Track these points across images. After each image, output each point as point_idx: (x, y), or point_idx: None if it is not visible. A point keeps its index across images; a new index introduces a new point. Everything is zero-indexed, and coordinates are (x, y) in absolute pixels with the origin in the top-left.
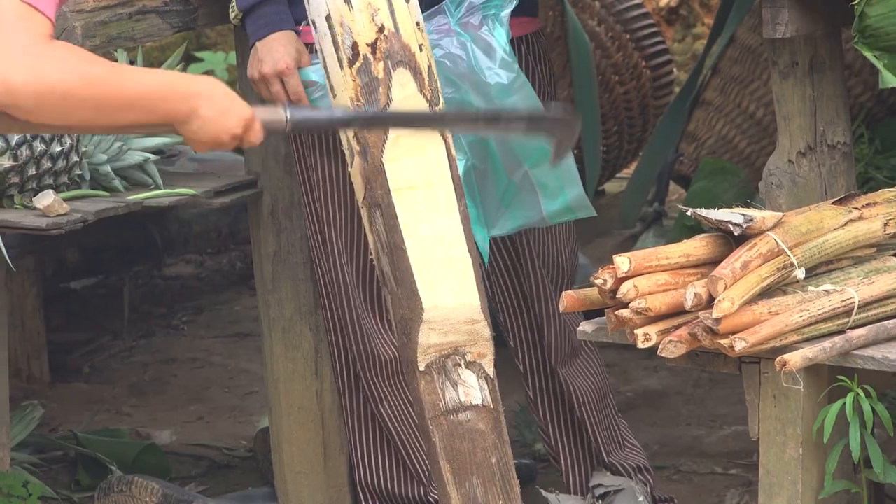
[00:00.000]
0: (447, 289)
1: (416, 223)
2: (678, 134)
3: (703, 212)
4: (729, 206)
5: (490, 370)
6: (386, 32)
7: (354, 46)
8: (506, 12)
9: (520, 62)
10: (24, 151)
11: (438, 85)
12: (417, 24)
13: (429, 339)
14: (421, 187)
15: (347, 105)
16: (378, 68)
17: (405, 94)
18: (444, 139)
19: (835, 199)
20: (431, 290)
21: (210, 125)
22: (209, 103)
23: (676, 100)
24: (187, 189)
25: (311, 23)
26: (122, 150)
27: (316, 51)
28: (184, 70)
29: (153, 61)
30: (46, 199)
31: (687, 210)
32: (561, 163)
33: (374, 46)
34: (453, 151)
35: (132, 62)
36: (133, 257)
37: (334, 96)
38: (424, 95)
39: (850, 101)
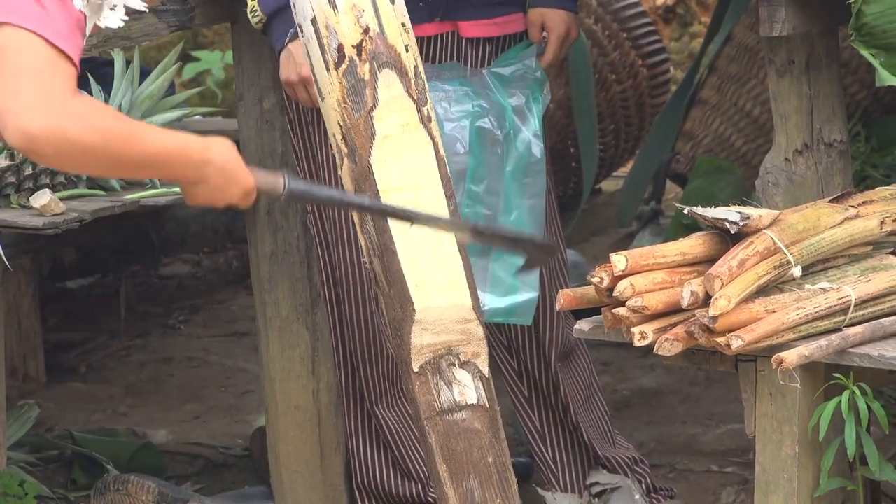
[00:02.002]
0: (437, 289)
1: (405, 225)
2: (675, 132)
3: (699, 210)
4: (725, 205)
5: (485, 369)
6: (371, 34)
7: (340, 48)
8: (544, 99)
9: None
10: None
11: (426, 86)
12: (403, 24)
13: (422, 340)
14: (409, 188)
15: (351, 190)
16: (364, 70)
17: (391, 95)
18: (433, 139)
19: (831, 198)
20: (422, 290)
21: (214, 192)
22: (219, 173)
23: (673, 98)
24: None
25: (297, 27)
26: None
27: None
28: (181, 69)
29: (150, 60)
30: (43, 198)
31: (683, 208)
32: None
33: (359, 48)
34: (442, 151)
35: (129, 62)
36: (130, 257)
37: (322, 99)
38: (411, 96)
39: (846, 99)
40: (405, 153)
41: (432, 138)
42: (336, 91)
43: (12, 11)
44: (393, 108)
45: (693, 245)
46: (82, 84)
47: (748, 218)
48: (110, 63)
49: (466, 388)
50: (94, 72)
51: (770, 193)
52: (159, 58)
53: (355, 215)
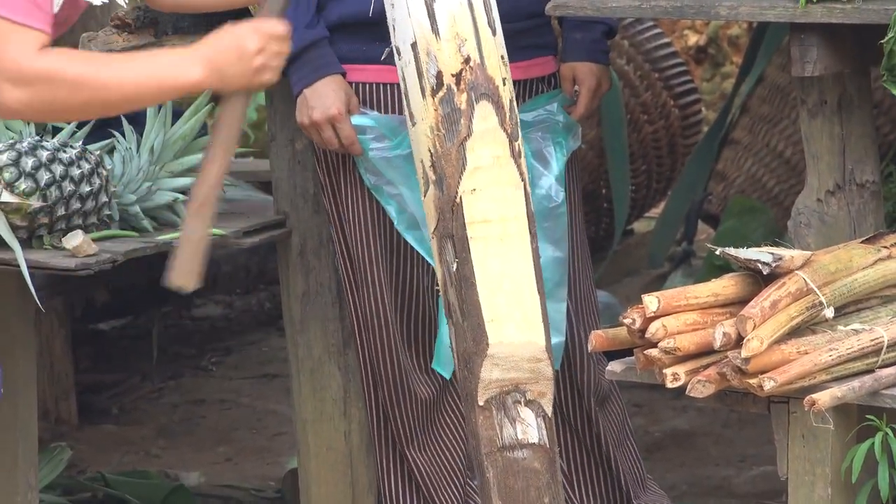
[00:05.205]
0: (513, 325)
1: (487, 257)
2: (707, 173)
3: (731, 251)
4: (758, 246)
5: (549, 409)
6: (472, 64)
7: (439, 76)
8: (571, 144)
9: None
10: (54, 192)
11: (518, 119)
12: (502, 57)
13: (491, 375)
14: (495, 221)
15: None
16: (461, 99)
17: (486, 127)
18: (521, 173)
19: (864, 238)
20: (498, 325)
21: (242, 78)
22: (228, 66)
23: (705, 139)
24: (216, 229)
25: (394, 49)
26: (150, 191)
27: (401, 79)
28: (213, 110)
29: (181, 101)
30: (75, 239)
31: (716, 249)
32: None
33: (458, 77)
34: (528, 187)
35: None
36: (162, 298)
37: (413, 124)
38: (505, 129)
39: (878, 139)
40: (494, 185)
41: (521, 173)
42: (430, 118)
43: None
44: (487, 140)
45: (725, 286)
46: (116, 124)
47: (780, 259)
48: None
49: (529, 427)
50: (126, 112)
51: (802, 234)
52: (191, 99)
53: (434, 244)
